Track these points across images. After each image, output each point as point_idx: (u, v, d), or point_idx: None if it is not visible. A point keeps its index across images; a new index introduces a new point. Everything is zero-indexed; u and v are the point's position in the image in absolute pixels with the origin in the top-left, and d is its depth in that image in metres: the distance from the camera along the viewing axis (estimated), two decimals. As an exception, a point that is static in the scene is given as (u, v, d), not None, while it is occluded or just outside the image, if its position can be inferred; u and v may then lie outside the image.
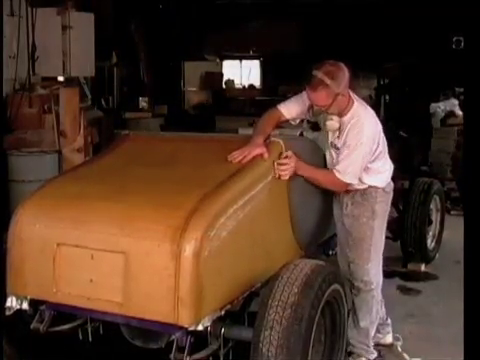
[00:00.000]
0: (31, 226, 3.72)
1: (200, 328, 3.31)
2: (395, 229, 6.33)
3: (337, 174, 4.08)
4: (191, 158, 4.18)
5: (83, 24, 8.94)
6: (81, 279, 3.54)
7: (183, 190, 3.65)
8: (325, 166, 4.32)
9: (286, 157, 3.99)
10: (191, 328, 3.31)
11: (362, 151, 4.06)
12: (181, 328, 3.35)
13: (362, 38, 14.86)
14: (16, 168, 6.71)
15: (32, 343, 4.13)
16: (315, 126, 4.57)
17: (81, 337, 3.95)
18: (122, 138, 4.67)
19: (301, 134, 5.64)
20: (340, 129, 4.12)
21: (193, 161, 4.12)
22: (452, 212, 8.62)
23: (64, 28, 8.59)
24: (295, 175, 4.05)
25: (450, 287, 5.71)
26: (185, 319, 3.28)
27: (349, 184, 4.14)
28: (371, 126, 4.14)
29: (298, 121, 4.43)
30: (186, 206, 3.42)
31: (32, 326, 3.77)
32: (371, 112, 4.24)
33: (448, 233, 6.94)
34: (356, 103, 4.16)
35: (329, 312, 3.59)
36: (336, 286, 3.54)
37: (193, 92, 17.31)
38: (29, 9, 7.53)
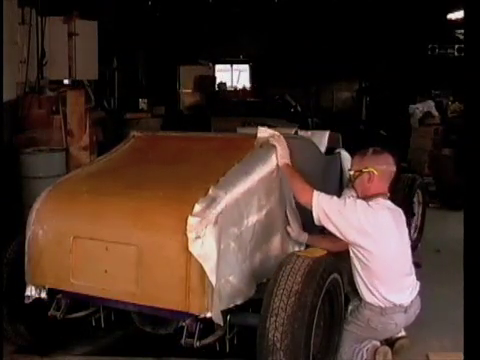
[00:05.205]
0: (49, 220, 3.69)
1: (209, 315, 3.27)
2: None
3: (314, 193, 3.70)
4: (197, 155, 4.14)
5: (87, 31, 8.92)
6: (96, 270, 3.51)
7: (192, 185, 3.60)
8: (322, 164, 4.25)
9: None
10: (201, 316, 3.28)
11: (345, 205, 3.66)
12: (191, 315, 3.32)
13: (345, 45, 14.85)
14: (27, 165, 6.66)
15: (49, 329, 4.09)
16: None
17: (94, 323, 3.92)
18: (130, 137, 4.62)
19: (296, 132, 5.60)
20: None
21: (199, 158, 4.08)
22: (430, 205, 8.60)
23: (70, 35, 8.56)
24: None
25: (432, 273, 5.68)
26: (196, 307, 3.25)
27: (310, 205, 3.68)
28: (366, 211, 3.74)
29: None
30: (195, 200, 3.37)
31: (50, 313, 3.75)
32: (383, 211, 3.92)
33: (427, 224, 6.91)
34: (378, 198, 3.95)
35: (328, 299, 3.56)
36: (335, 275, 3.50)
37: (187, 94, 17.23)
38: (38, 18, 7.52)
